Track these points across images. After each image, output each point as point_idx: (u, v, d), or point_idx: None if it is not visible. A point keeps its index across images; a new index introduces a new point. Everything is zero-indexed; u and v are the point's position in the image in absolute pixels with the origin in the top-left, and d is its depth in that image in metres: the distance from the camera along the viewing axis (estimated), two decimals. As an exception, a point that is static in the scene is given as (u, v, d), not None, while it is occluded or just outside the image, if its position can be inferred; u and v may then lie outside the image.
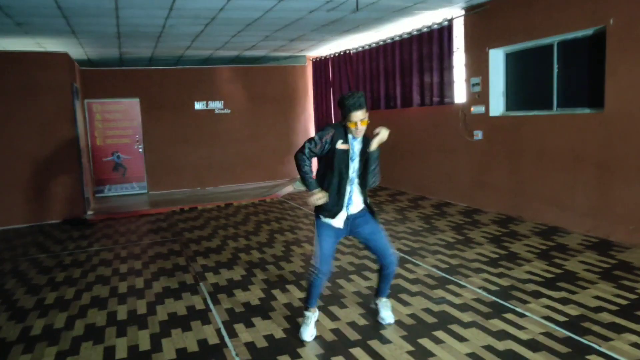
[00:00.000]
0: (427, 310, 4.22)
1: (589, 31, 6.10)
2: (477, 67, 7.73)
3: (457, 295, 4.52)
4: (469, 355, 3.44)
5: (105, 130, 11.82)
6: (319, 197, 3.62)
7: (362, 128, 3.59)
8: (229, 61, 12.56)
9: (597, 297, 4.27)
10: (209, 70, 12.36)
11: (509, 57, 7.46)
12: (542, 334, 3.68)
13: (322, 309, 4.33)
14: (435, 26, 8.40)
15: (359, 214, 3.82)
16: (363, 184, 3.77)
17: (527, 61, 7.16)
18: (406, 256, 5.75)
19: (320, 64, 12.38)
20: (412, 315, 4.13)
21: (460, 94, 8.35)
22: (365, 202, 3.83)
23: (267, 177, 12.77)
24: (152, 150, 11.97)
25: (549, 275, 4.86)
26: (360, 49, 10.75)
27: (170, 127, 12.04)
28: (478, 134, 7.83)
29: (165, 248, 6.76)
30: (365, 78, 10.67)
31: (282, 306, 4.50)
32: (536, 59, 6.96)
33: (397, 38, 9.43)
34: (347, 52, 11.15)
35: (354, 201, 3.78)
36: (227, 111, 12.48)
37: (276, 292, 4.85)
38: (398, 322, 4.02)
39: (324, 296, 4.63)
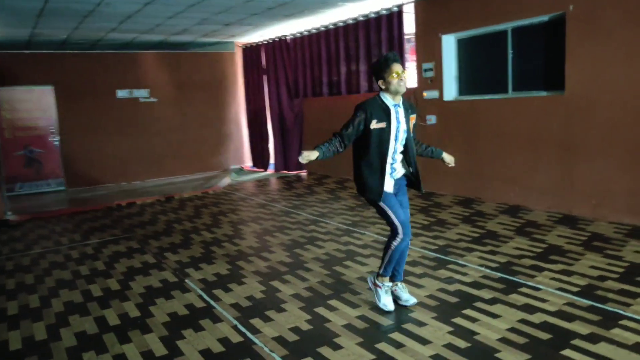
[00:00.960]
0: (443, 290, 4.20)
1: (544, 17, 6.42)
2: (430, 52, 7.87)
3: (463, 274, 4.54)
4: (509, 330, 3.45)
5: (15, 122, 10.55)
6: (306, 155, 3.62)
7: (404, 80, 3.56)
8: (152, 46, 11.74)
9: (593, 267, 4.49)
10: (132, 55, 11.48)
11: (462, 43, 7.67)
12: (565, 304, 3.79)
13: (336, 298, 4.15)
14: (384, 12, 8.43)
15: (401, 179, 3.87)
16: (408, 155, 3.78)
17: (480, 47, 7.40)
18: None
19: (251, 51, 11.98)
20: (430, 297, 4.09)
21: (411, 79, 8.45)
22: (410, 171, 3.83)
23: (198, 168, 12.15)
24: (69, 143, 10.88)
25: (538, 250, 5.04)
26: (298, 35, 10.53)
27: (90, 117, 11.02)
28: (431, 119, 7.98)
29: (123, 246, 6.15)
30: (305, 65, 10.48)
31: (291, 297, 4.25)
32: (490, 45, 7.22)
33: (341, 24, 9.35)
34: (283, 38, 10.88)
35: (397, 169, 3.80)
36: (153, 100, 11.68)
37: (276, 284, 4.58)
38: (421, 304, 3.96)
39: (330, 285, 4.45)
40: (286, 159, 11.51)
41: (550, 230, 5.68)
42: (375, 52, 8.73)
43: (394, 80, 3.53)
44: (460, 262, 4.87)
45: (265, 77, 11.68)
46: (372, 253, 5.29)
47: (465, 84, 7.70)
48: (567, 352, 3.11)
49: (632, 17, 5.43)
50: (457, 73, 7.77)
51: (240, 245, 5.91)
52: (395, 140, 3.67)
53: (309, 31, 10.21)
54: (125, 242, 6.32)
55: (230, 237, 6.29)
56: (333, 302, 4.09)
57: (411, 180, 3.89)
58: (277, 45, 11.10)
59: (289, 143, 11.37)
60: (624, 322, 3.47)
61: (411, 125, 3.77)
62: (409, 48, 8.92)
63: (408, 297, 3.98)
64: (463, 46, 7.66)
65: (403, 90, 3.59)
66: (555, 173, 6.40)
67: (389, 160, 3.69)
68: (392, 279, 4.00)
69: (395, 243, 3.75)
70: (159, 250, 5.88)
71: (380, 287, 3.90)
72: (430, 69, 7.88)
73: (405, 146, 3.76)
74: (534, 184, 6.65)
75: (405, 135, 3.72)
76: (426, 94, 8.01)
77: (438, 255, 5.09)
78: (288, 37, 10.82)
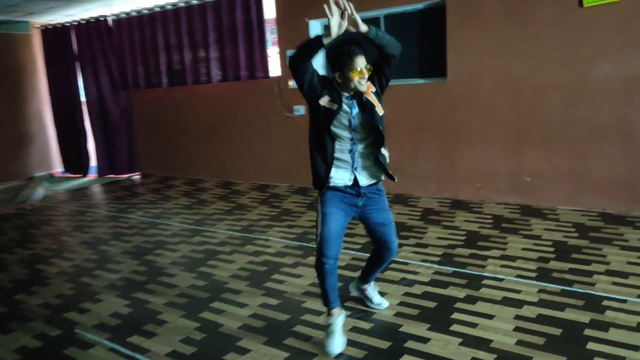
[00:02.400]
0: (252, 262, 3.78)
1: (419, 5, 6.42)
2: (295, 39, 7.34)
3: (268, 247, 4.17)
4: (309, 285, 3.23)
5: None
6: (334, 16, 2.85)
7: (366, 77, 2.90)
8: None
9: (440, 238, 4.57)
10: None
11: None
12: (434, 273, 3.70)
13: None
14: (238, -8, 7.62)
15: (373, 192, 3.13)
16: (374, 152, 3.07)
17: (352, 33, 7.12)
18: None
19: (55, 34, 9.89)
20: (242, 269, 3.63)
21: (275, 67, 7.81)
22: (379, 175, 3.14)
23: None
24: None
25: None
26: (124, 16, 8.99)
27: None
28: (300, 109, 7.49)
29: (-63, 295, 4.36)
30: (135, 51, 9.00)
31: (166, 307, 3.40)
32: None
33: (183, 4, 8.21)
34: (102, 19, 9.20)
35: (361, 168, 3.07)
36: None
37: (141, 295, 3.61)
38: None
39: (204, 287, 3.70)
40: (113, 161, 9.84)
41: (454, 215, 5.70)
42: (230, 37, 7.87)
43: (355, 78, 2.86)
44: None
45: (78, 66, 9.77)
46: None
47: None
48: (455, 316, 3.43)
49: (510, 5, 5.70)
50: (325, 60, 7.40)
51: (120, 272, 4.64)
52: (351, 125, 2.97)
53: (138, 12, 8.78)
54: (-63, 289, 4.50)
55: (99, 264, 4.91)
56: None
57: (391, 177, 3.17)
58: (94, 27, 9.34)
59: (115, 143, 9.73)
60: (485, 281, 3.93)
61: (378, 107, 2.98)
62: (271, 39, 8.25)
63: (380, 301, 3.56)
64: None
65: (364, 89, 2.93)
66: (438, 159, 6.48)
67: (341, 146, 3.01)
68: (362, 280, 3.56)
69: (319, 269, 3.02)
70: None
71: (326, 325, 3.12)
72: (296, 56, 7.34)
73: (376, 136, 3.02)
74: (416, 171, 6.66)
75: (363, 134, 3.00)
76: (292, 83, 7.47)
77: (244, 234, 5.49)
78: (109, 18, 9.18)
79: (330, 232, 3.00)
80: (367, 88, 2.95)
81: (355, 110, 2.96)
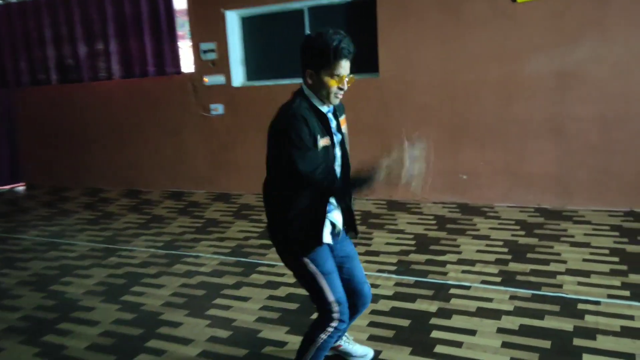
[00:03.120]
0: (112, 275, 3.44)
1: (346, -3, 6.10)
2: (210, 31, 6.69)
3: (132, 257, 3.80)
4: (172, 295, 3.01)
5: None
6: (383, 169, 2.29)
7: (345, 88, 2.31)
8: None
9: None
10: None
11: (248, 22, 6.75)
12: (218, 264, 3.49)
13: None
14: (142, -22, 6.81)
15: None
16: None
17: (273, 26, 6.63)
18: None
19: None
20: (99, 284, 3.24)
21: (187, 62, 7.08)
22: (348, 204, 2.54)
23: None
24: None
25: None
26: (1, 2, 7.73)
27: None
28: (218, 108, 6.85)
29: None
30: (16, 44, 7.78)
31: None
32: (285, 25, 6.52)
33: (74, -10, 7.21)
34: (-28, 5, 7.86)
35: (333, 204, 2.47)
36: None
37: (52, 338, 3.00)
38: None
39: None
40: (-9, 171, 8.47)
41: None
42: (134, 29, 7.02)
43: (333, 87, 2.26)
44: (128, 247, 5.02)
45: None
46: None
47: (259, 67, 6.82)
48: (218, 301, 3.73)
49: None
50: (244, 55, 6.84)
51: None
52: (340, 160, 2.47)
53: (18, -2, 7.60)
54: None
55: (-11, 300, 4.01)
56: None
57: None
58: (-37, 15, 7.96)
59: (-7, 149, 8.39)
60: (260, 268, 4.29)
61: (346, 135, 2.55)
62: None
63: (364, 351, 2.89)
64: (251, 26, 6.75)
65: (336, 103, 2.36)
66: (372, 158, 6.18)
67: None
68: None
69: (325, 335, 2.37)
70: None
71: None
72: (212, 50, 6.71)
73: (343, 166, 2.48)
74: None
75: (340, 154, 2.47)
76: (208, 80, 6.82)
77: (106, 246, 5.14)
78: (-18, 4, 7.86)
79: (342, 293, 2.41)
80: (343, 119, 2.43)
81: (334, 122, 2.45)
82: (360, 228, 5.05)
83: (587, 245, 4.33)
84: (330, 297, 2.35)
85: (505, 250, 4.34)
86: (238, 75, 6.81)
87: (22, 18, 7.66)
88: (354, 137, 6.07)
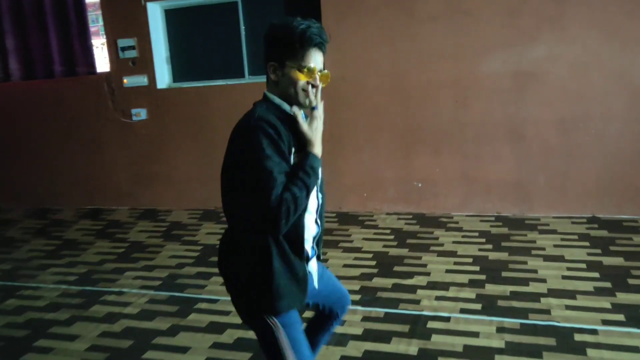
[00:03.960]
0: (10, 325, 3.15)
1: (284, -11, 5.49)
2: (129, 26, 5.85)
3: (36, 298, 3.22)
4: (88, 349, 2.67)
5: None
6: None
7: (319, 87, 1.79)
8: None
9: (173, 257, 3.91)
10: None
11: (173, 14, 5.97)
12: (147, 302, 3.23)
13: None
14: (44, -37, 5.85)
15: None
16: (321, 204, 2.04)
17: (202, 20, 5.89)
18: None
19: None
20: None
21: (103, 61, 6.18)
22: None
23: None
24: None
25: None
26: None
27: None
28: (140, 113, 6.01)
29: None
30: None
31: None
32: (216, 18, 5.81)
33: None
34: None
35: (316, 251, 1.96)
36: None
37: None
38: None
39: None
40: None
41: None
42: (37, 22, 6.03)
43: (301, 82, 1.75)
44: (32, 284, 4.14)
45: None
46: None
47: (189, 67, 6.05)
48: (148, 354, 2.98)
49: (392, -6, 5.07)
50: (169, 53, 6.05)
51: None
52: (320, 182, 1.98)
53: None
54: None
55: None
56: None
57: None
58: None
59: None
60: (199, 305, 3.58)
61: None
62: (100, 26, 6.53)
63: None
64: (177, 19, 5.98)
65: (308, 105, 1.81)
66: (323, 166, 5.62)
67: (312, 226, 1.89)
68: None
69: None
70: None
71: None
72: (132, 47, 5.88)
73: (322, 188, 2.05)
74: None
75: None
76: (127, 81, 5.97)
77: (3, 283, 4.23)
78: None
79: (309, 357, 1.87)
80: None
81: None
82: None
83: (561, 259, 3.99)
84: None
85: (477, 268, 3.91)
86: (163, 76, 6.01)
87: None
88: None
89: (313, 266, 1.94)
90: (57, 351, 3.11)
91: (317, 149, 1.79)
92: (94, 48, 6.12)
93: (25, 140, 6.52)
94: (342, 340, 3.00)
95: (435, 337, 2.99)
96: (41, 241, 5.28)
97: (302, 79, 1.75)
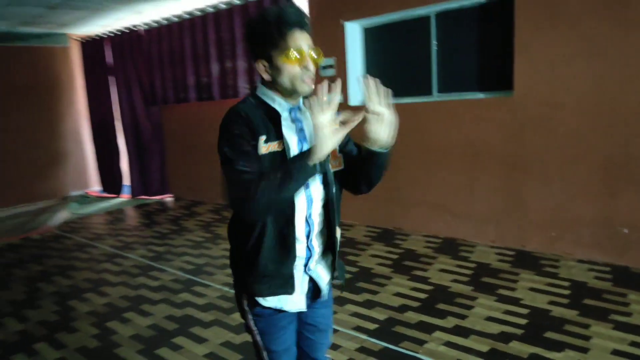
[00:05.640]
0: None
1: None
2: (329, 45, 6.15)
3: None
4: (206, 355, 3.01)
5: None
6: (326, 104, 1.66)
7: (312, 69, 1.69)
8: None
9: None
10: None
11: (370, 33, 6.06)
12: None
13: None
14: (266, -7, 6.56)
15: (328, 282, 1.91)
16: (334, 217, 1.80)
17: (394, 37, 5.84)
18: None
19: (92, 46, 9.36)
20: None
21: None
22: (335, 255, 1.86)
23: (18, 199, 9.13)
24: None
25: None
26: (155, 25, 8.23)
27: None
28: (334, 130, 6.26)
29: None
30: (164, 63, 8.21)
31: None
32: (407, 35, 5.69)
33: (211, 9, 7.29)
34: (135, 29, 8.51)
35: (316, 252, 1.82)
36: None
37: None
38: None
39: None
40: (145, 181, 9.11)
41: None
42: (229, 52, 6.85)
43: (295, 69, 1.66)
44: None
45: (113, 80, 9.16)
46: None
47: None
48: None
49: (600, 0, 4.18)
50: (364, 71, 6.16)
51: (70, 347, 3.64)
52: (323, 188, 1.81)
53: (168, 20, 7.98)
54: None
55: (57, 328, 3.96)
56: None
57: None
58: (127, 39, 8.68)
59: (148, 161, 8.99)
60: None
61: (336, 148, 1.76)
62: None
63: None
64: (371, 37, 6.06)
65: (307, 91, 1.72)
66: (498, 197, 5.01)
67: (301, 228, 1.75)
68: None
69: None
70: None
71: None
72: (331, 66, 6.16)
73: (326, 197, 1.79)
74: (472, 211, 5.21)
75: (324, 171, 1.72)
76: (326, 98, 6.26)
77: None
78: (141, 28, 8.46)
79: None
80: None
81: (303, 124, 1.79)
82: (465, 289, 4.03)
83: None
84: None
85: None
86: (356, 94, 6.14)
87: (169, 39, 8.02)
88: (478, 170, 5.03)
89: (320, 272, 1.85)
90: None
91: (318, 150, 1.61)
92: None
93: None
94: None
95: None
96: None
97: (292, 64, 1.65)
